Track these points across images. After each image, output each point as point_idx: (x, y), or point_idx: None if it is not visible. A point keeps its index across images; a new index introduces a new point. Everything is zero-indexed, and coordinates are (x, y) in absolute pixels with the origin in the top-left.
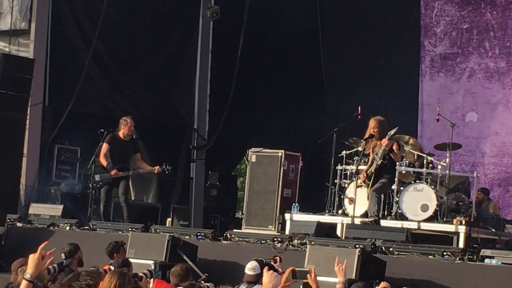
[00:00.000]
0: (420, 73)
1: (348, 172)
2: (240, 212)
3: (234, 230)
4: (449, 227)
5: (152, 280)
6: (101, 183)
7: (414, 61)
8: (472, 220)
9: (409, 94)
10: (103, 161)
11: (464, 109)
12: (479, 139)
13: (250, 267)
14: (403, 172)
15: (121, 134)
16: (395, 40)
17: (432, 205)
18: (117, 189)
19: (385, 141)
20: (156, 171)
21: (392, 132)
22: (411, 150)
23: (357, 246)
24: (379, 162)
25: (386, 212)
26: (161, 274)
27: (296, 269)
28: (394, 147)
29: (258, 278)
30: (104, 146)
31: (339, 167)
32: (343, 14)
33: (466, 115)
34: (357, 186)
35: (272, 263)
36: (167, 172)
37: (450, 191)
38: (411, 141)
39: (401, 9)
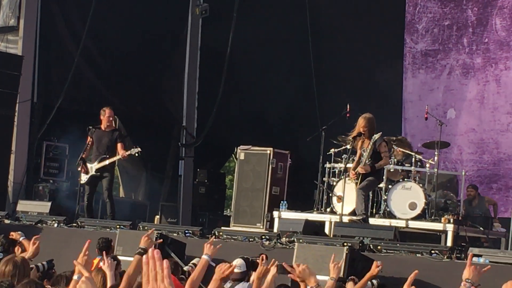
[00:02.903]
0: (404, 70)
1: (337, 170)
2: (228, 209)
3: (223, 228)
4: (437, 226)
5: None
6: (86, 179)
7: (398, 58)
8: (460, 218)
9: (393, 91)
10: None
11: (444, 106)
12: (457, 136)
13: (236, 265)
14: (391, 170)
15: (102, 125)
16: (381, 37)
17: (421, 204)
18: (101, 184)
19: (361, 168)
20: (122, 157)
21: (376, 136)
22: (400, 149)
23: (345, 244)
24: (367, 161)
25: (374, 210)
26: None
27: (278, 263)
28: (382, 150)
29: (243, 276)
30: (88, 139)
31: (327, 165)
32: (332, 10)
33: (447, 112)
34: (349, 179)
35: (258, 260)
36: (136, 154)
37: (438, 189)
38: (400, 139)
39: (386, 6)
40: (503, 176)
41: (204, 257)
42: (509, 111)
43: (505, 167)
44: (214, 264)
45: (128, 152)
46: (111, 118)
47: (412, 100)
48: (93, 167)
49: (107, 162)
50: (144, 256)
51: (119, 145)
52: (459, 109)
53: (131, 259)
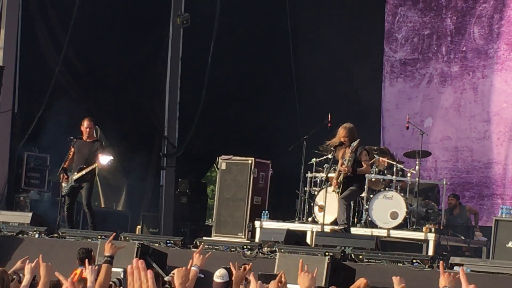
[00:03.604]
0: (383, 79)
1: (318, 180)
2: (210, 219)
3: (204, 238)
4: (418, 235)
5: None
6: (67, 190)
7: (378, 67)
8: (441, 227)
9: (373, 100)
10: (65, 163)
11: (422, 115)
12: (433, 144)
13: (219, 275)
14: (373, 179)
15: (83, 136)
16: (361, 47)
17: (402, 213)
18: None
19: (344, 168)
20: (98, 166)
21: (354, 144)
22: (382, 158)
23: (326, 253)
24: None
25: (356, 219)
26: None
27: (260, 273)
28: (363, 158)
29: (226, 286)
30: (70, 150)
31: (309, 174)
32: (312, 20)
33: (424, 121)
34: (332, 191)
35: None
36: (109, 162)
37: (420, 198)
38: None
39: (366, 16)
40: (476, 184)
41: (193, 268)
42: (485, 119)
43: (479, 176)
44: (202, 276)
45: (100, 161)
46: (88, 129)
47: (389, 109)
48: (72, 177)
49: (83, 172)
50: (129, 267)
51: (99, 156)
52: (435, 117)
53: (113, 269)
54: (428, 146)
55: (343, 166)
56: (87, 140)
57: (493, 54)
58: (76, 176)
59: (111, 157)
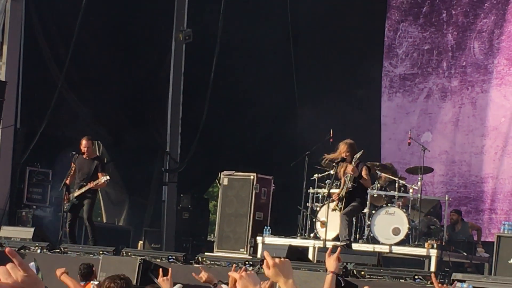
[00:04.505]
0: (381, 94)
1: (320, 196)
2: (212, 235)
3: (206, 253)
4: (420, 251)
5: None
6: (69, 206)
7: (377, 82)
8: (443, 243)
9: (373, 115)
10: (67, 179)
11: (419, 129)
12: (431, 158)
13: None
14: (375, 195)
15: (84, 154)
16: (362, 62)
17: (404, 229)
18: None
19: (350, 168)
20: (94, 186)
21: (358, 155)
22: (384, 174)
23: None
24: (349, 185)
25: (358, 235)
26: None
27: None
28: (363, 173)
29: None
30: (71, 165)
31: (311, 190)
32: (314, 35)
33: (421, 135)
34: (333, 209)
35: None
36: (106, 182)
37: (422, 214)
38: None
39: (367, 31)
40: (473, 199)
41: None
42: (484, 133)
43: (476, 190)
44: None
45: (96, 182)
46: (87, 148)
47: (386, 123)
48: (73, 194)
49: (83, 190)
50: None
51: (99, 175)
52: (434, 132)
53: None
54: (426, 160)
55: (351, 167)
56: (87, 158)
57: (493, 68)
58: (76, 193)
59: (108, 177)
